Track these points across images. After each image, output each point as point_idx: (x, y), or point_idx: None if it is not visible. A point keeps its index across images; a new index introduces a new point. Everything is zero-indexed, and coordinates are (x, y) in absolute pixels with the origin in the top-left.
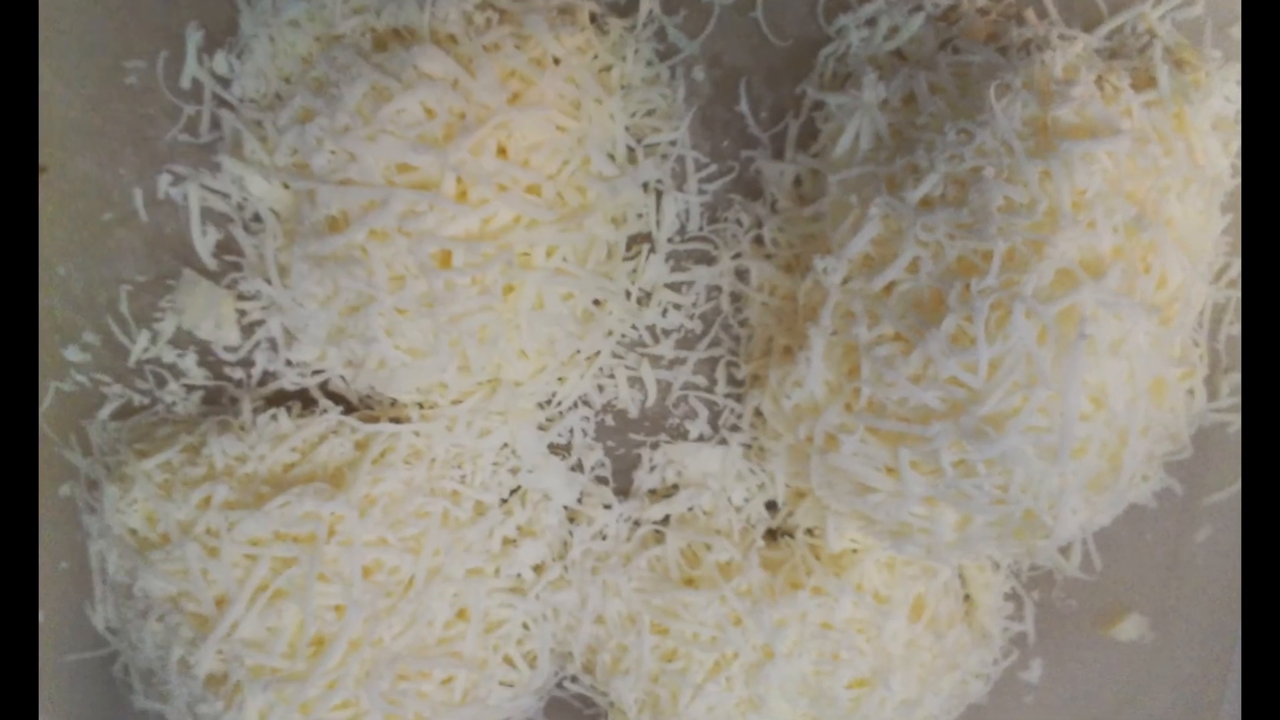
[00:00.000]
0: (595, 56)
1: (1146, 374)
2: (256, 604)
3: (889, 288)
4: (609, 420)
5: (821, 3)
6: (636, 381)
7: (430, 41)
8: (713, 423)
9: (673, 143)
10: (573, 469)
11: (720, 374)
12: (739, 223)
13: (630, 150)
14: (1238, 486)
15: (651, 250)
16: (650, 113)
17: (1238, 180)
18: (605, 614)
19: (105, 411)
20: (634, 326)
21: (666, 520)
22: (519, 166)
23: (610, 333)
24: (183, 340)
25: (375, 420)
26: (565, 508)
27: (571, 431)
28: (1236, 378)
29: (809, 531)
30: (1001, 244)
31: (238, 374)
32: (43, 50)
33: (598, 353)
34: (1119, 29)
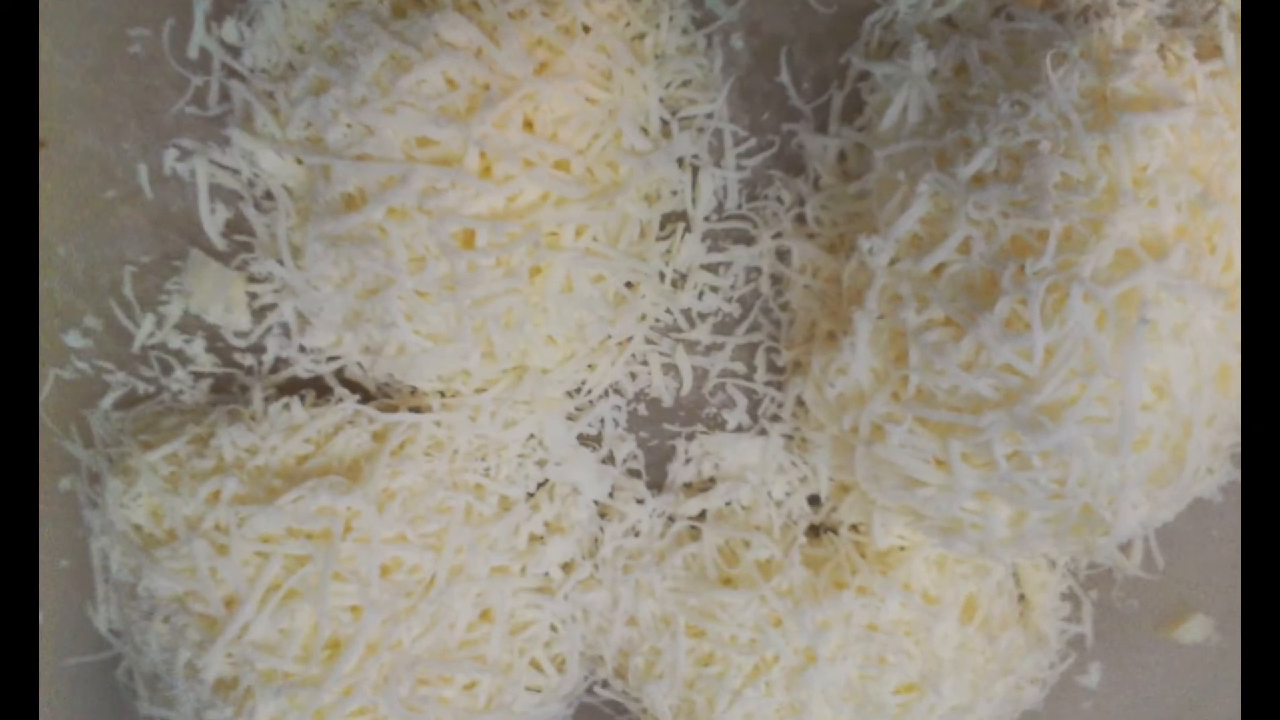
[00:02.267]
0: (627, 24)
1: (1212, 361)
2: (268, 604)
3: (939, 269)
4: (642, 410)
5: None
6: (671, 369)
7: (452, 8)
8: (752, 412)
9: (709, 115)
10: (603, 461)
11: (760, 360)
12: (780, 200)
13: (664, 123)
14: None
15: (687, 229)
16: (686, 83)
17: None
18: (638, 615)
19: (108, 400)
20: (668, 310)
21: (703, 516)
22: (546, 140)
23: (643, 317)
24: (190, 325)
25: (394, 410)
26: (595, 502)
27: (602, 422)
28: None
29: (854, 527)
30: (1058, 223)
31: (248, 360)
32: (42, 18)
33: (630, 338)
34: None
